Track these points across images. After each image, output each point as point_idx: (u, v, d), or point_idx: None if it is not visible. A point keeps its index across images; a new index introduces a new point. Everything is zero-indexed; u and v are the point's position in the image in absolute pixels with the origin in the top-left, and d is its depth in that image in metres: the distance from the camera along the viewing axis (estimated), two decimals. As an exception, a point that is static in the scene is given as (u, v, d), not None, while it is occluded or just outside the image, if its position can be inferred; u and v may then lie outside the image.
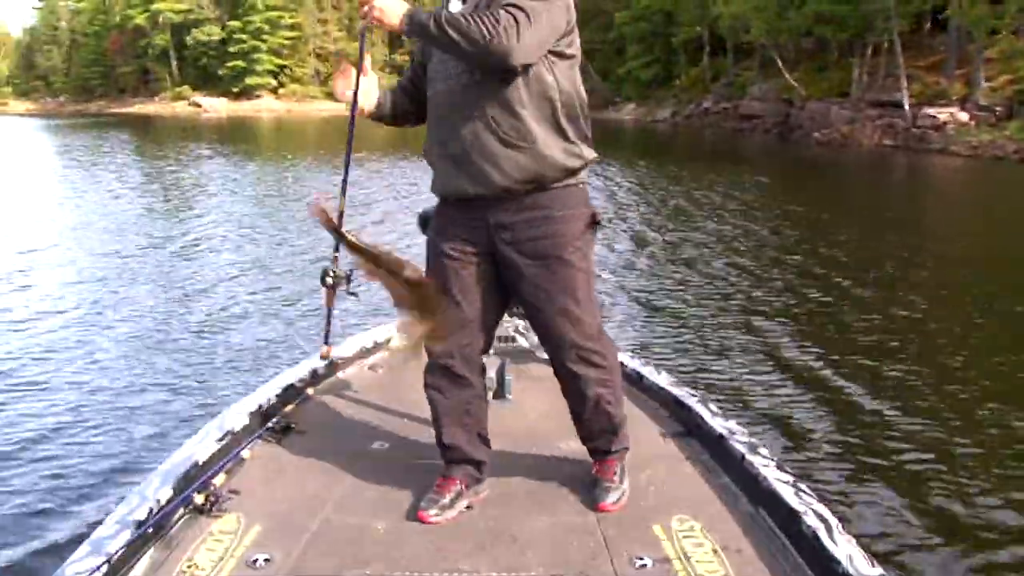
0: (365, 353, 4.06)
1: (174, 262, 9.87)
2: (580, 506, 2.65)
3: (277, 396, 3.32)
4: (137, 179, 19.11)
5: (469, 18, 2.24)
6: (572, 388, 2.62)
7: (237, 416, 3.09)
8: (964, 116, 28.12)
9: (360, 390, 3.66)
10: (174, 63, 65.36)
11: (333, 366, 3.76)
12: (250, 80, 62.39)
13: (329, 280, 2.76)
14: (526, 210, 2.44)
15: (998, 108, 27.73)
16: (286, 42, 63.91)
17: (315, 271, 8.71)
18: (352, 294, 2.79)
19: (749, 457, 2.77)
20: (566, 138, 2.44)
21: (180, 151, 26.36)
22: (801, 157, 27.40)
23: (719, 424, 3.05)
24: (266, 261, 9.78)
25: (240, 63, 61.84)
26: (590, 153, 2.51)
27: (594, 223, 2.54)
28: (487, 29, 2.22)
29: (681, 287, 8.69)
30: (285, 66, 64.66)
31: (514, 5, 2.26)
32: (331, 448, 3.02)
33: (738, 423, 3.10)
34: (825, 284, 8.84)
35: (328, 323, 2.95)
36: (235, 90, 62.49)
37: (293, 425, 3.19)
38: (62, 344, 6.54)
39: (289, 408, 3.33)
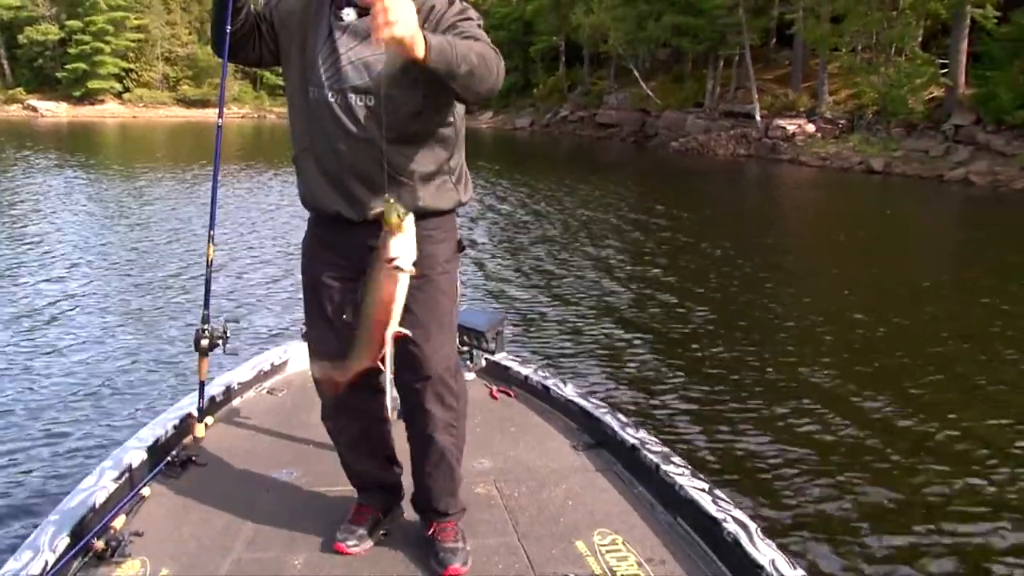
0: (262, 376, 3.85)
1: (24, 289, 8.71)
2: (499, 526, 2.59)
3: (174, 428, 3.10)
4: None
5: (483, 56, 2.04)
6: (419, 430, 2.46)
7: (133, 452, 2.86)
8: (811, 128, 29.43)
9: (260, 416, 3.47)
10: (5, 63, 60.82)
11: (230, 392, 3.57)
12: (92, 84, 58.52)
13: (204, 343, 2.56)
14: None
15: (841, 121, 29.17)
16: (132, 44, 60.53)
17: (173, 295, 8.31)
18: (232, 353, 2.66)
19: (664, 467, 2.77)
20: (448, 180, 2.37)
21: (13, 160, 24.08)
22: (661, 165, 28.03)
23: (631, 434, 3.03)
24: (122, 288, 8.82)
25: (81, 65, 57.83)
26: (466, 195, 2.45)
27: (460, 248, 2.49)
28: (497, 67, 2.07)
29: (566, 299, 8.68)
30: (131, 70, 61.27)
31: (478, 39, 2.11)
32: (236, 480, 2.89)
33: (648, 432, 3.08)
34: (710, 286, 9.27)
35: (201, 396, 2.71)
36: (76, 94, 58.41)
37: (194, 458, 3.00)
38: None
39: (188, 440, 3.13)
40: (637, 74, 38.91)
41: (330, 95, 2.23)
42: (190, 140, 37.33)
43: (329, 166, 2.28)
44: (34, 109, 56.53)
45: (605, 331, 7.42)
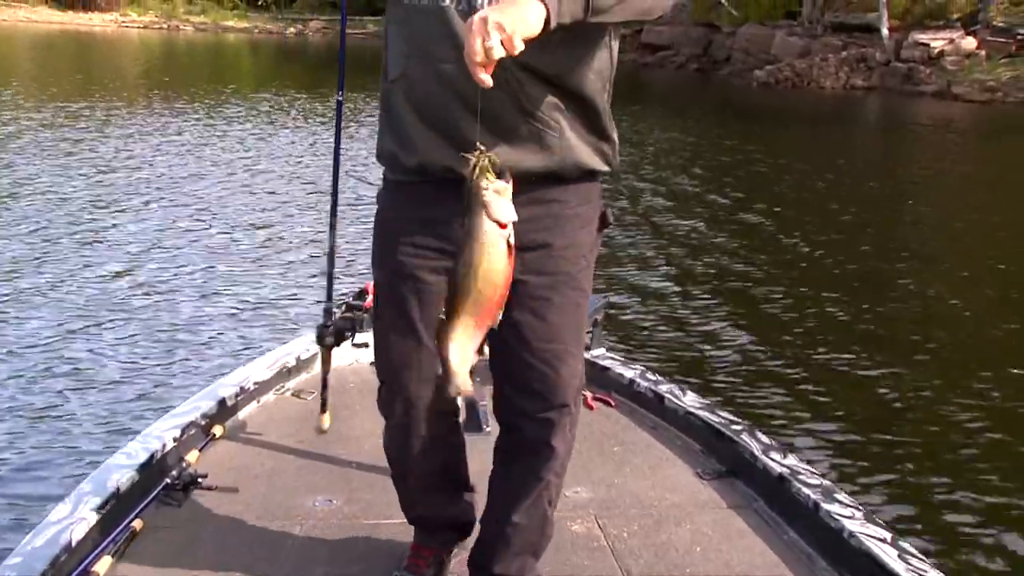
0: (285, 375, 3.47)
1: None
2: (597, 564, 2.35)
3: (174, 440, 2.79)
4: None
5: None
6: (524, 468, 2.08)
7: (119, 472, 2.56)
8: (970, 43, 24.94)
9: (283, 426, 3.14)
10: None
11: (243, 395, 3.24)
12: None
13: (329, 340, 2.69)
14: (533, 204, 1.85)
15: (1019, 32, 24.31)
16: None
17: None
18: (360, 345, 2.76)
19: (825, 505, 2.44)
20: (601, 134, 1.96)
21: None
22: (739, 104, 22.51)
23: (776, 460, 2.71)
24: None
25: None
26: (615, 155, 2.05)
27: (604, 225, 2.11)
28: None
29: (642, 282, 7.39)
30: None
31: None
32: (255, 509, 2.60)
33: (799, 459, 2.75)
34: (835, 273, 7.81)
35: (325, 388, 2.80)
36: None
37: (200, 479, 2.69)
38: None
39: (192, 455, 2.82)
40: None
41: (459, 7, 1.83)
42: (71, 52, 31.78)
43: (433, 98, 1.86)
44: None
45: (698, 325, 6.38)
